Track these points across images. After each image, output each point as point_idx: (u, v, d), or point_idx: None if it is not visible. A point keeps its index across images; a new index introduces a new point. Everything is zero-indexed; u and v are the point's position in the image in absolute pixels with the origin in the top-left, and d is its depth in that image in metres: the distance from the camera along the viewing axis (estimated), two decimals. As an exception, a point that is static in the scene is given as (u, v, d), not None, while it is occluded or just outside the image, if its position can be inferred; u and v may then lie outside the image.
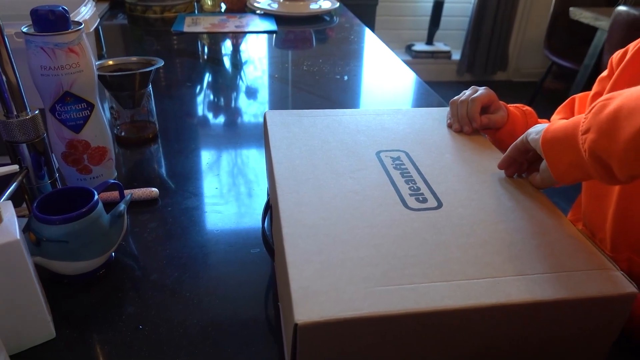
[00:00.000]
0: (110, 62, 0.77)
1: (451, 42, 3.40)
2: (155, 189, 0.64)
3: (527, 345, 0.38)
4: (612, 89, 0.58)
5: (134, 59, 0.78)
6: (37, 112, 0.51)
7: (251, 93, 1.04)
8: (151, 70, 0.74)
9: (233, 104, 0.99)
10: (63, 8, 0.56)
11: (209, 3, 1.63)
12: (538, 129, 0.46)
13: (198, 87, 1.06)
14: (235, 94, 1.04)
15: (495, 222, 0.42)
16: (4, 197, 0.45)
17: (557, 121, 0.45)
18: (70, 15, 0.57)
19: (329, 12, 1.63)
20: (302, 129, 0.57)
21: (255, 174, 0.72)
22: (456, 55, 3.36)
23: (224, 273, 0.52)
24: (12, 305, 0.40)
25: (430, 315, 0.33)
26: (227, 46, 1.35)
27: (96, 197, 0.49)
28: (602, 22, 2.06)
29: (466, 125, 0.59)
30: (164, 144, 0.80)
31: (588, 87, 0.64)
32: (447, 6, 3.24)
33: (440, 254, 0.38)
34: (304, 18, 1.57)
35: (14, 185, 0.47)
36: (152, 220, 0.60)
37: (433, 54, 3.34)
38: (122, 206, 0.52)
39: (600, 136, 0.38)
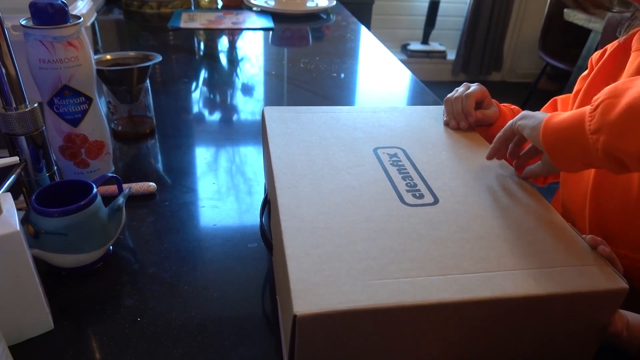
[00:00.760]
0: (108, 57, 0.77)
1: (446, 42, 3.41)
2: (153, 184, 0.64)
3: (521, 338, 0.38)
4: (589, 87, 0.59)
5: (131, 53, 0.78)
6: (36, 105, 0.51)
7: (247, 90, 1.05)
8: (149, 65, 0.74)
9: (229, 101, 0.99)
10: (62, 1, 0.56)
11: (206, -1, 1.62)
12: (530, 123, 0.47)
13: (195, 83, 1.06)
14: (231, 90, 1.04)
15: (491, 217, 0.43)
16: (3, 189, 0.45)
17: (554, 115, 0.45)
18: (66, 3, 0.57)
19: (325, 10, 1.63)
20: (300, 125, 0.58)
21: (253, 170, 0.72)
22: (451, 55, 3.37)
23: (222, 267, 0.53)
24: (11, 296, 0.40)
25: (427, 308, 0.34)
26: (223, 43, 1.35)
27: (95, 190, 0.49)
28: (595, 24, 2.08)
29: (462, 121, 0.59)
30: (161, 139, 0.80)
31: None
32: (442, 6, 3.25)
33: (437, 248, 0.38)
34: (300, 16, 1.57)
35: (12, 177, 0.47)
36: (149, 214, 0.60)
37: (428, 54, 3.35)
38: (120, 200, 0.52)
39: (615, 137, 0.39)
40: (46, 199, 0.48)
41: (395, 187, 0.46)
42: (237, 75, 1.13)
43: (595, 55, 0.63)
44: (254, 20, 1.49)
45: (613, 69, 0.58)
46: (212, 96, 1.00)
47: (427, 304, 0.34)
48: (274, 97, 1.02)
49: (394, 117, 0.61)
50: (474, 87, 0.63)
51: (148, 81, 0.77)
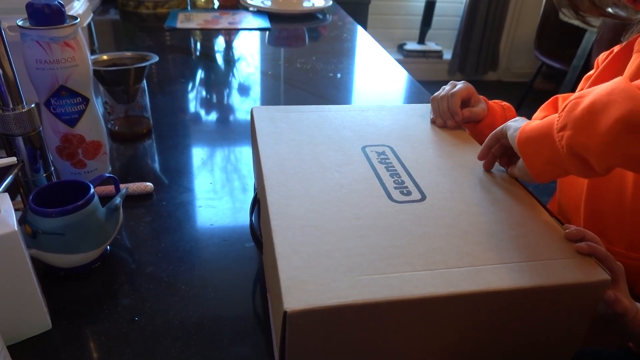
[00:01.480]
0: (105, 57, 0.78)
1: (442, 42, 3.42)
2: (150, 184, 0.65)
3: (507, 331, 0.39)
4: (592, 86, 0.61)
5: (128, 54, 0.79)
6: (33, 105, 0.52)
7: (244, 89, 1.06)
8: (146, 66, 0.75)
9: (226, 101, 1.00)
10: (59, 2, 0.57)
11: None
12: (516, 125, 0.48)
13: (191, 83, 1.07)
14: (228, 90, 1.05)
15: (476, 213, 0.44)
16: (0, 189, 0.46)
17: (532, 121, 0.46)
18: (63, 4, 0.58)
19: (322, 11, 1.64)
20: (289, 124, 0.59)
21: (249, 170, 0.73)
22: (447, 55, 3.38)
23: (219, 266, 0.54)
24: (9, 296, 0.41)
25: (414, 302, 0.35)
26: (220, 43, 1.36)
27: (92, 190, 0.50)
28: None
29: (449, 120, 0.61)
30: (157, 139, 0.81)
31: (576, 88, 0.66)
32: (438, 6, 3.26)
33: (424, 244, 0.40)
34: (297, 16, 1.58)
35: (9, 178, 0.48)
36: (147, 214, 0.61)
37: (425, 53, 3.36)
38: (117, 200, 0.53)
39: (577, 132, 0.40)
40: (44, 199, 0.49)
41: (383, 185, 0.47)
42: (233, 75, 1.14)
43: (602, 56, 0.64)
44: (250, 21, 1.50)
45: (616, 71, 0.59)
46: (208, 96, 1.01)
47: (414, 298, 0.35)
48: (271, 97, 1.03)
49: (381, 116, 0.62)
50: (459, 85, 0.64)
51: (145, 81, 0.78)
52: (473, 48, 3.26)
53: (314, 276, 0.36)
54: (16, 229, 0.39)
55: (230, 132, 0.86)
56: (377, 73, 1.20)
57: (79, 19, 0.59)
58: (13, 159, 0.39)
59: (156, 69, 1.11)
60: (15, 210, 0.42)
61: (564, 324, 0.40)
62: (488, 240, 0.40)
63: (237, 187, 0.69)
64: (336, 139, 0.56)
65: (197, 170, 0.72)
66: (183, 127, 0.87)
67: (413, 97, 1.07)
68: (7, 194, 0.42)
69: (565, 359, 0.43)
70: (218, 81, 1.10)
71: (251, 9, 1.59)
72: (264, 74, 1.13)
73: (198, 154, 0.77)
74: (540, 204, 0.46)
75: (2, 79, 0.49)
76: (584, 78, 0.66)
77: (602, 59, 0.64)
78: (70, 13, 0.94)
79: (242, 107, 0.97)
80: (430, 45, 3.39)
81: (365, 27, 2.93)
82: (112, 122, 0.80)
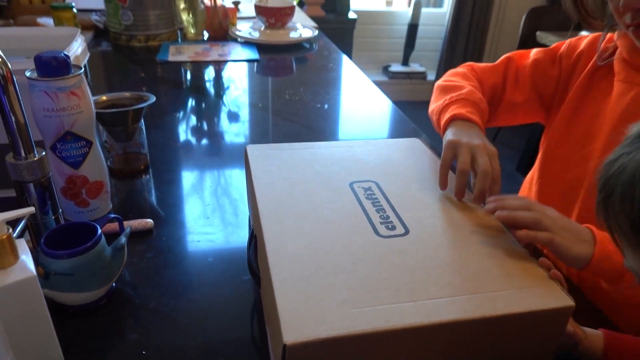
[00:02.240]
0: (104, 98, 0.82)
1: (426, 63, 3.52)
2: (150, 220, 0.69)
3: (485, 355, 0.43)
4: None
5: (126, 94, 0.83)
6: (43, 153, 0.55)
7: (235, 122, 1.10)
8: (144, 107, 0.79)
9: (218, 134, 1.04)
10: (64, 54, 0.61)
11: (192, 31, 1.68)
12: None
13: (184, 117, 1.12)
14: (220, 123, 1.09)
15: (455, 246, 0.48)
16: (15, 234, 0.49)
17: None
18: (69, 55, 0.62)
19: (308, 40, 1.70)
20: (281, 162, 0.63)
21: (243, 203, 0.77)
22: (431, 76, 3.48)
23: (218, 299, 0.57)
24: (28, 336, 0.44)
25: (399, 332, 0.39)
26: (211, 75, 1.41)
27: (99, 232, 0.54)
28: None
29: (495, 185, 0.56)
30: (154, 174, 0.85)
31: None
32: (421, 29, 3.37)
33: (407, 276, 0.44)
34: (284, 46, 1.64)
35: (22, 223, 0.52)
36: (148, 250, 0.65)
37: (409, 75, 3.46)
38: (122, 239, 0.57)
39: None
40: (54, 241, 0.53)
41: (370, 220, 0.51)
42: (224, 108, 1.18)
43: (572, 46, 0.75)
44: (239, 52, 1.55)
45: (596, 92, 0.70)
46: (201, 130, 1.05)
47: (400, 328, 0.39)
48: (262, 129, 1.07)
49: (367, 151, 0.67)
50: (485, 149, 0.59)
51: (142, 120, 0.82)
52: (455, 69, 3.36)
53: (309, 310, 0.40)
54: (35, 274, 0.42)
55: (225, 165, 0.90)
56: (362, 102, 1.26)
57: (82, 69, 0.63)
58: (31, 209, 0.43)
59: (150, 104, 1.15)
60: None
61: (535, 346, 0.44)
62: (465, 271, 0.45)
63: (233, 221, 0.72)
64: (325, 175, 0.60)
65: (194, 205, 0.76)
66: (178, 162, 0.90)
67: (397, 126, 1.12)
68: (23, 240, 0.46)
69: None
70: (210, 114, 1.14)
71: (240, 40, 1.65)
72: (254, 106, 1.18)
73: (194, 188, 0.81)
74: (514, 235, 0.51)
75: (15, 129, 0.53)
76: (544, 50, 0.78)
77: (567, 51, 0.74)
78: (70, 54, 0.99)
79: (235, 140, 1.01)
80: (414, 67, 3.49)
81: (350, 50, 3.02)
82: (110, 160, 0.84)
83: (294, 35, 1.68)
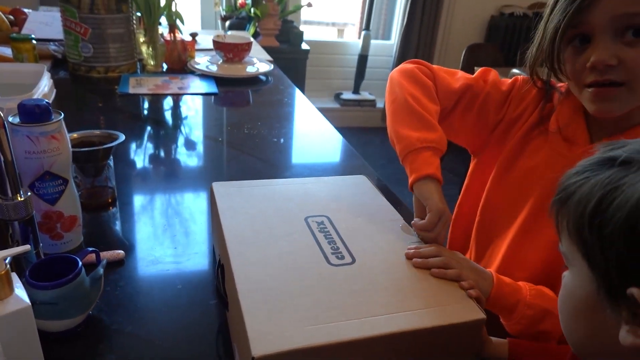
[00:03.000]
0: (75, 135, 0.87)
1: (375, 92, 3.71)
2: (121, 251, 0.74)
3: (416, 361, 0.53)
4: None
5: (96, 132, 0.89)
6: (29, 194, 0.61)
7: (197, 155, 1.17)
8: (113, 145, 0.85)
9: (180, 167, 1.10)
10: (46, 102, 0.67)
11: (152, 63, 1.74)
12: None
13: (146, 148, 1.17)
14: (181, 155, 1.16)
15: (393, 271, 0.58)
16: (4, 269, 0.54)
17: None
18: (49, 102, 0.68)
19: (264, 74, 1.80)
20: (243, 198, 0.71)
21: (206, 233, 0.84)
22: (380, 104, 3.66)
23: (188, 322, 0.64)
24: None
25: (347, 344, 0.48)
26: (170, 107, 1.47)
27: (80, 264, 0.60)
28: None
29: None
30: (121, 207, 0.90)
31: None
32: (371, 59, 3.56)
33: (353, 298, 0.53)
34: (241, 79, 1.73)
35: (9, 259, 0.57)
36: (120, 279, 0.71)
37: (359, 102, 3.63)
38: (100, 270, 0.63)
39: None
40: (37, 273, 0.58)
41: (322, 250, 0.60)
42: (186, 141, 1.25)
43: (523, 94, 0.77)
44: (198, 85, 1.62)
45: (524, 144, 0.75)
46: (164, 161, 1.12)
47: (347, 341, 0.48)
48: (220, 163, 1.15)
49: (320, 188, 0.76)
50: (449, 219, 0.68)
51: (111, 157, 0.88)
52: (403, 97, 3.56)
53: (272, 328, 0.48)
54: (29, 304, 0.48)
55: (187, 197, 0.97)
56: (315, 137, 1.36)
57: (62, 115, 0.69)
58: (27, 247, 0.49)
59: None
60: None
61: (457, 354, 0.54)
62: (401, 292, 0.55)
63: (199, 250, 0.79)
64: (284, 210, 0.69)
65: (161, 235, 0.82)
66: (141, 193, 0.97)
67: (347, 162, 1.23)
68: (15, 274, 0.51)
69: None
70: (170, 146, 1.21)
71: (197, 72, 1.72)
72: (213, 140, 1.26)
73: (160, 218, 0.87)
74: None
75: (4, 169, 0.58)
76: (510, 81, 0.79)
77: (518, 98, 0.77)
78: (38, 92, 1.04)
79: (195, 173, 1.08)
80: (365, 95, 3.67)
81: (304, 78, 3.14)
82: (79, 194, 0.88)
83: (251, 69, 1.77)
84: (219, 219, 0.66)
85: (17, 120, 0.66)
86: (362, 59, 3.54)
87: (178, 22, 1.74)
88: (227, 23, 2.90)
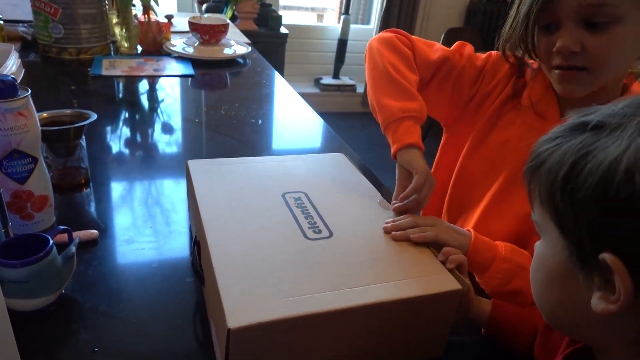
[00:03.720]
0: (45, 115, 0.84)
1: (355, 77, 3.70)
2: (95, 231, 0.73)
3: (394, 333, 0.53)
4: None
5: (67, 111, 0.87)
6: (-4, 173, 0.59)
7: (173, 136, 1.15)
8: (85, 124, 0.83)
9: (156, 148, 1.08)
10: (12, 77, 0.65)
11: (125, 45, 1.70)
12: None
13: (121, 130, 1.15)
14: (156, 137, 1.13)
15: (370, 245, 0.58)
16: (-30, 247, 0.53)
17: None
18: (16, 79, 0.66)
19: (242, 56, 1.77)
20: (220, 176, 0.70)
21: (182, 211, 0.83)
22: (360, 89, 3.66)
23: (163, 301, 0.63)
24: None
25: (324, 315, 0.48)
26: (145, 90, 1.44)
27: (51, 242, 0.58)
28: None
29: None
30: (95, 187, 0.88)
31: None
32: (350, 43, 3.54)
33: (330, 271, 0.53)
34: (218, 61, 1.70)
35: (-25, 236, 0.55)
36: (94, 259, 0.69)
37: (339, 87, 3.62)
38: (72, 248, 0.61)
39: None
40: (6, 251, 0.56)
41: (299, 225, 0.60)
42: (161, 122, 1.23)
43: (496, 68, 0.78)
44: (174, 67, 1.59)
45: (497, 117, 0.77)
46: (138, 143, 1.09)
47: (324, 312, 0.48)
48: (198, 145, 1.13)
49: (297, 165, 0.76)
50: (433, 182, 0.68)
51: (83, 137, 0.86)
52: (383, 83, 3.56)
53: (249, 300, 0.48)
54: (-3, 281, 0.47)
55: (162, 176, 0.95)
56: (294, 118, 1.35)
57: (29, 91, 0.67)
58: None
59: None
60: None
61: (434, 324, 0.55)
62: (378, 265, 0.55)
63: (174, 229, 0.78)
64: (260, 187, 0.68)
65: (136, 215, 0.81)
66: (117, 174, 0.94)
67: (326, 142, 1.23)
68: (-18, 252, 0.50)
69: (437, 351, 0.58)
70: (145, 128, 1.18)
71: (174, 54, 1.69)
72: (190, 121, 1.24)
73: (135, 199, 0.86)
74: None
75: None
76: (470, 55, 0.80)
77: (492, 69, 0.79)
78: (5, 72, 1.00)
79: (172, 153, 1.06)
80: (345, 80, 3.66)
81: (282, 63, 3.11)
82: (52, 174, 0.86)
83: (227, 51, 1.74)
84: (195, 196, 0.65)
85: (-19, 96, 0.63)
86: (342, 43, 3.52)
87: (152, 3, 1.69)
88: (204, 6, 2.85)
